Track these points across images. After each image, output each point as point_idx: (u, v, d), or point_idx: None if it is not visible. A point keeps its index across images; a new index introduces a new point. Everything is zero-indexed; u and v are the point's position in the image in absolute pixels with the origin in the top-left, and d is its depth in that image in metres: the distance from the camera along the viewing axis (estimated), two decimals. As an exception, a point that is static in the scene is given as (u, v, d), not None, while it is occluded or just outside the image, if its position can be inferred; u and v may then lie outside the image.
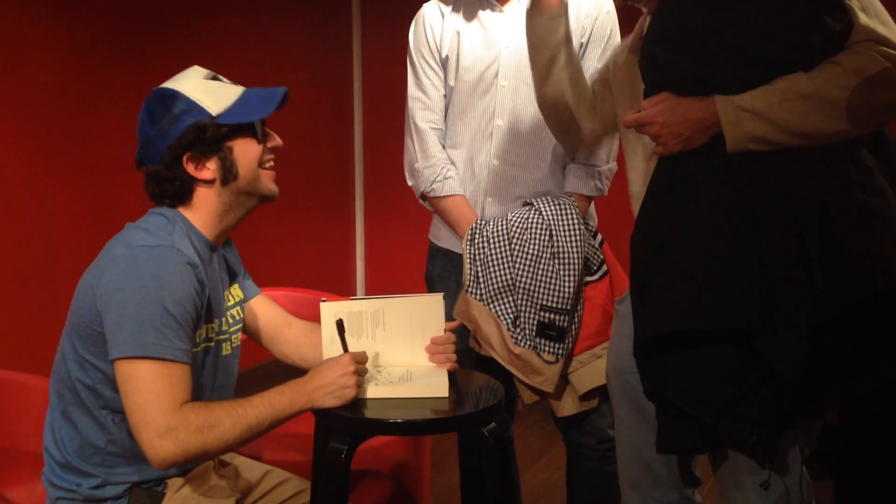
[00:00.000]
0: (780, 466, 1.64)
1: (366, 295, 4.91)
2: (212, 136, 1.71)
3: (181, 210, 1.77)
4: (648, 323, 1.58)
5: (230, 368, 1.86)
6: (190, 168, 1.73)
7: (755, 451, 1.61)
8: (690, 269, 1.52)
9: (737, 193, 1.52)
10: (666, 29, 1.59)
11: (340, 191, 4.88)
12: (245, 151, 1.76)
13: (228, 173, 1.75)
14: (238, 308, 1.92)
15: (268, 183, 1.80)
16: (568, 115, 2.04)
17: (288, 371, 1.99)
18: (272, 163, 1.81)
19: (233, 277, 1.93)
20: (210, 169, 1.74)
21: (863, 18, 1.51)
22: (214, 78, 1.78)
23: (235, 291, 1.93)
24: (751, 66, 1.52)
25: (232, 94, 1.76)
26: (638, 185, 1.80)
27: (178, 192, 1.75)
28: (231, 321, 1.88)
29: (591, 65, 2.24)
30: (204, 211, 1.77)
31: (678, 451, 1.74)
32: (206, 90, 1.74)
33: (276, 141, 1.81)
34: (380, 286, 4.94)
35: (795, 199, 1.50)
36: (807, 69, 1.50)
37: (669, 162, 1.60)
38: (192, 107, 1.72)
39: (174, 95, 1.73)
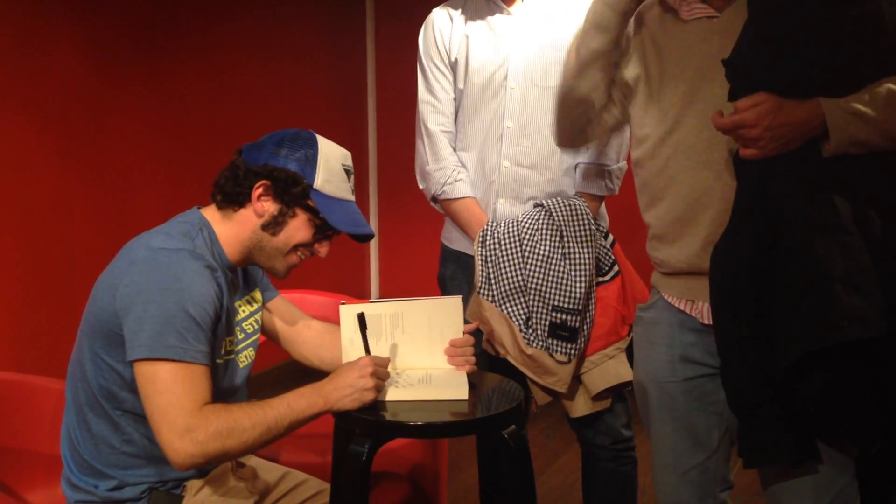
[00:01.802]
0: (835, 470, 1.63)
1: (380, 297, 4.91)
2: (294, 193, 1.75)
3: (218, 217, 1.79)
4: (797, 339, 1.49)
5: (241, 378, 1.87)
6: (256, 192, 1.76)
7: (877, 457, 1.59)
8: (833, 277, 1.46)
9: (845, 196, 1.48)
10: (769, 29, 1.52)
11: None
12: (298, 229, 1.79)
13: (272, 226, 1.78)
14: (255, 318, 1.92)
15: (282, 265, 1.82)
16: (588, 114, 1.97)
17: (304, 373, 1.99)
18: (300, 261, 1.83)
19: (250, 280, 1.93)
20: (265, 209, 1.77)
21: None
22: (347, 171, 1.83)
23: (255, 296, 1.93)
24: (857, 67, 1.48)
25: (339, 191, 1.81)
26: (686, 192, 1.74)
27: (232, 196, 1.78)
28: (251, 329, 1.88)
29: None
30: (235, 230, 1.79)
31: (769, 463, 1.69)
32: (330, 170, 1.79)
33: (322, 252, 1.84)
34: (394, 288, 4.94)
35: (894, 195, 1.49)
36: None
37: (755, 166, 1.55)
38: (310, 165, 1.76)
39: (312, 147, 1.78)
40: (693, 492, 1.85)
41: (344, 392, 1.70)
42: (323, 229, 1.80)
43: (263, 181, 1.75)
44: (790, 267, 1.51)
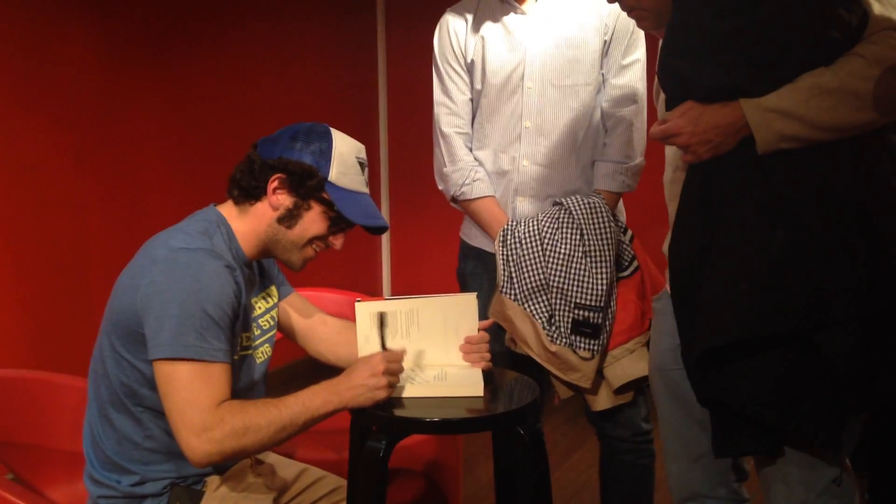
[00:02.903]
0: (824, 461, 1.64)
1: (392, 295, 4.92)
2: (309, 186, 1.77)
3: (234, 213, 1.81)
4: (705, 334, 1.55)
5: (259, 374, 1.88)
6: (271, 185, 1.78)
7: (823, 448, 1.60)
8: (740, 275, 1.51)
9: (774, 193, 1.51)
10: (682, 40, 1.58)
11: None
12: (313, 222, 1.81)
13: (287, 219, 1.80)
14: (273, 313, 1.93)
15: (297, 257, 1.84)
16: None
17: (320, 369, 2.00)
18: (316, 254, 1.85)
19: (266, 277, 1.95)
20: (280, 202, 1.79)
21: (877, 8, 1.51)
22: (361, 163, 1.85)
23: (271, 292, 1.95)
24: (772, 66, 1.51)
25: (354, 184, 1.82)
26: (670, 193, 1.79)
27: (248, 190, 1.80)
28: (267, 325, 1.90)
29: (615, 62, 2.25)
30: (251, 224, 1.81)
31: (739, 454, 1.72)
32: (345, 163, 1.80)
33: (336, 245, 1.85)
34: (406, 286, 4.95)
35: (832, 192, 1.50)
36: (828, 63, 1.50)
37: (700, 167, 1.59)
38: (324, 158, 1.78)
39: (326, 140, 1.79)
40: (704, 479, 1.86)
41: (357, 391, 1.70)
42: (337, 222, 1.82)
43: (279, 174, 1.77)
44: (711, 266, 1.56)
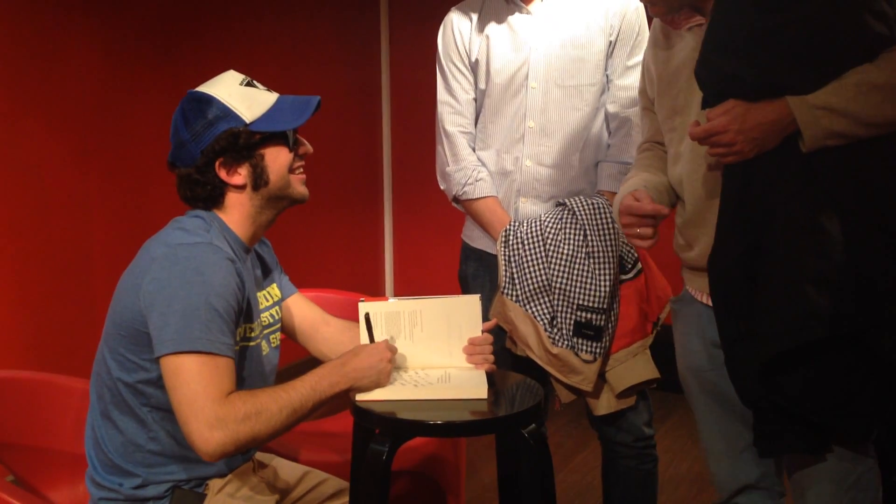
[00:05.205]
0: (855, 455, 1.65)
1: (394, 296, 4.92)
2: (244, 143, 1.75)
3: (215, 212, 1.81)
4: (773, 338, 1.53)
5: (269, 366, 1.88)
6: (222, 173, 1.76)
7: (876, 445, 1.61)
8: (803, 279, 1.50)
9: (823, 192, 1.50)
10: (725, 36, 1.56)
11: (369, 192, 4.89)
12: (276, 158, 1.79)
13: (259, 179, 1.78)
14: (275, 310, 1.93)
15: (298, 187, 1.84)
16: None
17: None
18: (302, 169, 1.84)
19: (268, 276, 1.95)
20: (241, 174, 1.77)
21: None
22: (249, 84, 1.81)
23: (273, 291, 1.94)
24: (818, 63, 1.50)
25: (266, 101, 1.79)
26: (698, 191, 1.77)
27: (211, 195, 1.79)
28: (268, 321, 1.90)
29: (620, 63, 2.24)
30: (236, 214, 1.80)
31: (785, 453, 1.71)
32: (240, 96, 1.77)
33: (307, 148, 1.84)
34: (408, 287, 4.95)
35: (878, 188, 1.50)
36: (872, 59, 1.49)
37: (739, 166, 1.58)
38: (227, 113, 1.75)
39: (209, 100, 1.76)
40: (752, 471, 1.85)
41: (364, 372, 1.75)
42: (287, 138, 1.80)
43: (217, 160, 1.75)
44: (768, 268, 1.54)
